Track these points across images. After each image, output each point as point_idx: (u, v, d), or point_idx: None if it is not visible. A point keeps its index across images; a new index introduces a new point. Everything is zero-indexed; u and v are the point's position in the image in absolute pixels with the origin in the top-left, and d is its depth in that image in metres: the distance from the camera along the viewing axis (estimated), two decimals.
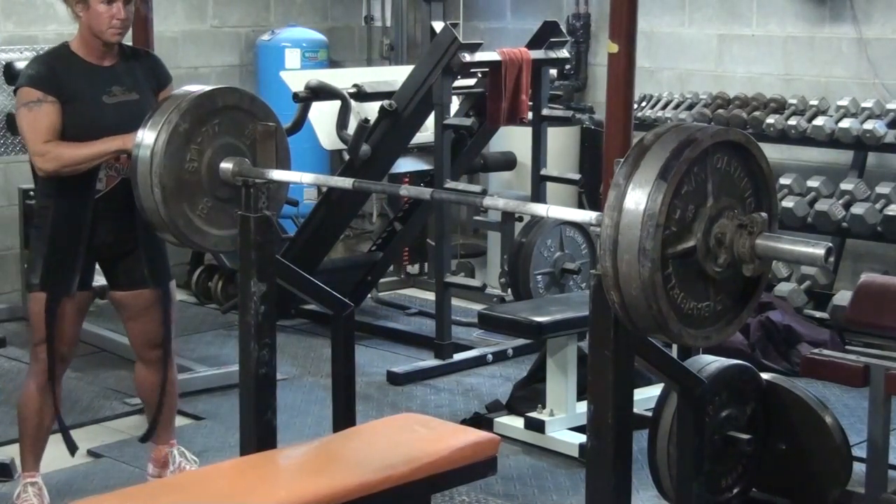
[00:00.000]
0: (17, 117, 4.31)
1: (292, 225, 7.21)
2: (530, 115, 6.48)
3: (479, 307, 6.13)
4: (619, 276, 2.83)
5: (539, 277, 6.09)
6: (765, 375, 4.41)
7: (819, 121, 6.84)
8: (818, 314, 6.57)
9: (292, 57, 8.11)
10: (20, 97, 4.25)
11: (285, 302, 6.26)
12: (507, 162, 7.69)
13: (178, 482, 3.87)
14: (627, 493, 3.16)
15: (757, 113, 7.08)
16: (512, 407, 5.37)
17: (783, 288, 6.71)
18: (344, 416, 4.05)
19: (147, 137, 3.78)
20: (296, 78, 6.73)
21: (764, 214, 2.93)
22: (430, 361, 6.24)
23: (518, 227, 6.40)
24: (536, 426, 5.13)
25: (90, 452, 5.07)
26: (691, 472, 3.59)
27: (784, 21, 7.46)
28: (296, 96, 6.37)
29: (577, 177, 6.83)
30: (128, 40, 4.53)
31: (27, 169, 4.47)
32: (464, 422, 5.08)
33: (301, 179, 3.76)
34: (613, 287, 2.85)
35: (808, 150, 7.18)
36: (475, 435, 3.82)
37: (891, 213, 6.49)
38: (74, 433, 5.21)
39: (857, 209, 6.56)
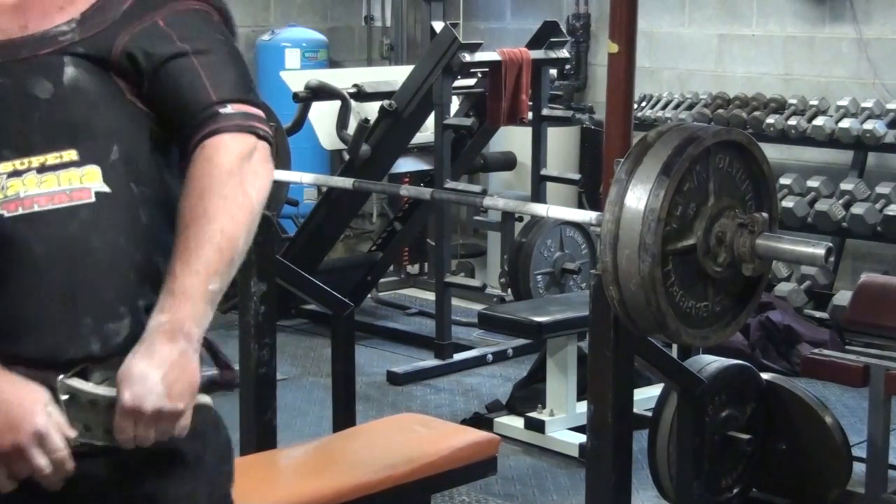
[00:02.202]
0: None
1: (292, 225, 7.20)
2: (530, 115, 6.48)
3: (479, 307, 6.12)
4: (618, 272, 2.83)
5: (539, 277, 6.09)
6: (765, 375, 4.41)
7: (819, 121, 6.83)
8: (818, 314, 6.56)
9: (292, 57, 8.11)
10: None
11: (285, 302, 6.26)
12: (507, 162, 7.69)
13: None
14: (627, 493, 3.16)
15: (757, 113, 7.07)
16: (512, 407, 5.37)
17: (783, 288, 6.70)
18: (344, 416, 4.06)
19: None
20: (296, 78, 6.72)
21: (765, 214, 2.93)
22: (430, 361, 6.23)
23: (518, 227, 6.39)
24: (536, 426, 5.13)
25: None
26: (691, 472, 3.60)
27: (784, 21, 7.46)
28: (296, 96, 6.36)
29: (577, 177, 6.83)
30: None
31: None
32: (464, 422, 5.08)
33: (301, 179, 3.77)
34: (613, 283, 2.85)
35: (808, 150, 7.18)
36: (475, 435, 3.82)
37: (891, 213, 6.48)
38: None
39: (857, 209, 6.55)
